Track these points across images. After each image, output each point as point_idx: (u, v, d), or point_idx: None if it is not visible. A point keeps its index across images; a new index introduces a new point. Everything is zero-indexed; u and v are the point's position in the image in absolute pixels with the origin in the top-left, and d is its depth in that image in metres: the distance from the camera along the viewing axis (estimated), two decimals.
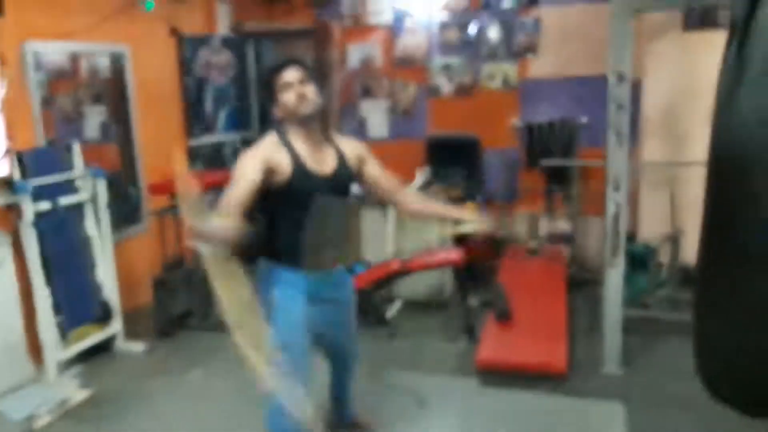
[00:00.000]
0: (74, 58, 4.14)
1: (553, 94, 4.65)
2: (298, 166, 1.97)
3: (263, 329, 1.87)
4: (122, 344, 3.60)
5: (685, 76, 3.96)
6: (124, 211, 4.01)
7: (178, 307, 3.77)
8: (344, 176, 2.10)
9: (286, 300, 2.05)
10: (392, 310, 3.95)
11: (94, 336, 3.45)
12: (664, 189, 4.13)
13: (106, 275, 3.53)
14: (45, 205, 3.14)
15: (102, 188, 3.47)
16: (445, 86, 4.87)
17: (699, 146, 3.78)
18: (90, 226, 3.47)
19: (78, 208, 3.41)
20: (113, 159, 4.13)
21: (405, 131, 5.01)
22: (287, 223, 2.02)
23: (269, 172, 1.92)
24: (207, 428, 2.85)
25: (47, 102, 3.69)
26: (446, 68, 4.84)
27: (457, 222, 2.26)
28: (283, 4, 5.03)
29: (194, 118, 4.68)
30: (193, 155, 4.66)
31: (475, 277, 4.04)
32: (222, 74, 4.95)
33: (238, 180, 1.89)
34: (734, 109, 1.12)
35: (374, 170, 2.20)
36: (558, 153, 4.52)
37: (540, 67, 4.66)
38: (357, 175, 2.17)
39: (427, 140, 4.83)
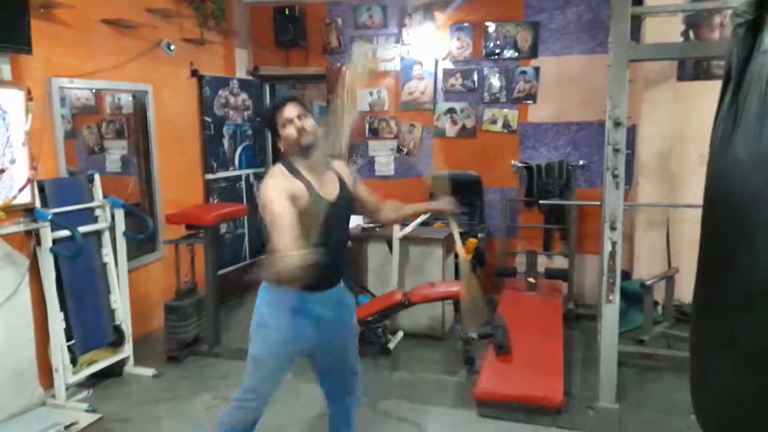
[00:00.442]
0: (99, 95, 4.36)
1: (551, 138, 4.84)
2: (313, 192, 2.09)
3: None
4: (132, 369, 3.64)
5: (678, 123, 4.13)
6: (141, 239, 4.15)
7: (188, 333, 3.83)
8: (346, 200, 2.24)
9: (271, 318, 2.15)
10: (394, 341, 4.02)
11: (104, 360, 3.49)
12: (660, 229, 4.24)
13: (120, 301, 3.60)
14: (63, 233, 3.20)
15: (120, 217, 3.57)
16: (450, 128, 5.10)
17: (691, 188, 3.99)
18: (107, 253, 3.56)
19: (96, 235, 3.51)
20: (133, 190, 4.31)
21: (411, 170, 5.21)
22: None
23: (293, 199, 2.04)
24: None
25: (71, 135, 3.83)
26: (451, 111, 5.07)
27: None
28: (299, 50, 5.34)
29: (212, 154, 4.89)
30: (210, 189, 4.88)
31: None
32: (239, 114, 5.19)
33: (277, 213, 1.96)
34: (729, 152, 1.16)
35: (363, 190, 2.38)
36: (556, 193, 4.69)
37: (539, 112, 4.86)
38: (353, 196, 2.31)
39: (431, 179, 4.99)
